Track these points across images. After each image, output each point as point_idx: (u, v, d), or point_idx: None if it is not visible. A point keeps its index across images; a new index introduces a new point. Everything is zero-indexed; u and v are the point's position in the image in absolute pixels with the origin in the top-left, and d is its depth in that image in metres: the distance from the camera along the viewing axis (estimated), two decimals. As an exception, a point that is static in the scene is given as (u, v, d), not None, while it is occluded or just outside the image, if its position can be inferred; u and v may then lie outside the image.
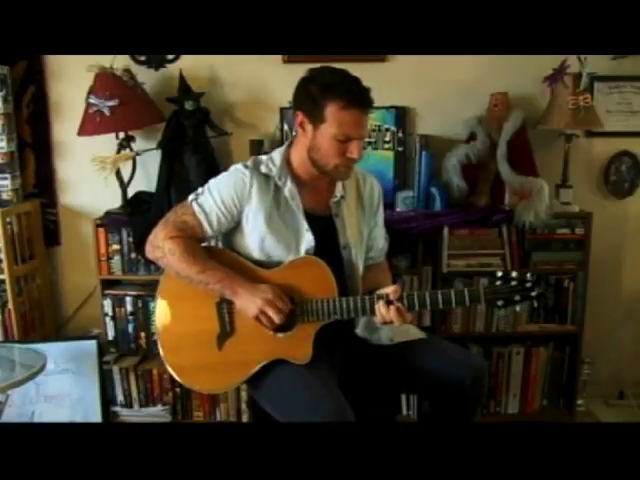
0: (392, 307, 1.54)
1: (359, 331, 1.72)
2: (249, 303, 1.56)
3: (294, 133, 1.70)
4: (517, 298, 1.51)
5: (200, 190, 1.66)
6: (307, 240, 1.63)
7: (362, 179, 1.78)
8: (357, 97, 1.53)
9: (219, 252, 1.69)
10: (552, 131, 2.41)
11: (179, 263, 1.59)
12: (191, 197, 1.66)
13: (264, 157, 1.70)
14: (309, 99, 1.56)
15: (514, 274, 1.52)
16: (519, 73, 2.42)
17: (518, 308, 1.51)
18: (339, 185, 1.70)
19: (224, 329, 1.63)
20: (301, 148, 1.64)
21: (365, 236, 1.77)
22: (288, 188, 1.64)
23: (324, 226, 1.67)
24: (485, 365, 1.72)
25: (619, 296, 2.66)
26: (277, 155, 1.68)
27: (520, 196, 2.29)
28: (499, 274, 1.54)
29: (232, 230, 1.68)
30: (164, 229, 1.63)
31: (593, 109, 2.33)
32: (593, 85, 2.43)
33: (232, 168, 1.69)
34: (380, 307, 1.55)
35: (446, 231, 2.29)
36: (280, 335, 1.60)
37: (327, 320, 1.59)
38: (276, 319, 1.55)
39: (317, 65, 2.46)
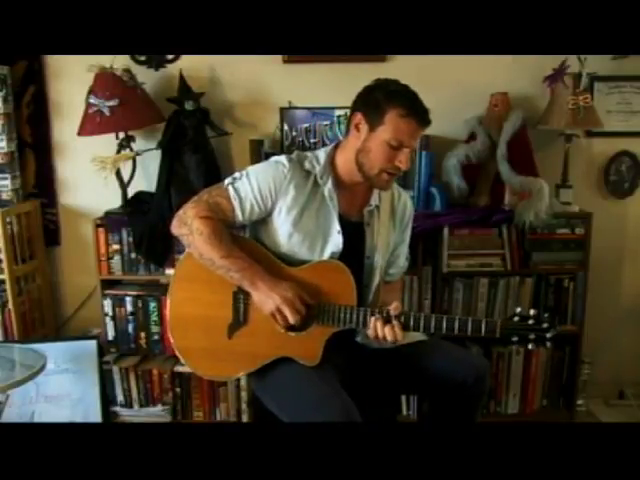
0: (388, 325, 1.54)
1: (359, 339, 1.72)
2: (267, 298, 1.55)
3: (342, 136, 1.70)
4: (532, 337, 1.50)
5: (237, 175, 1.65)
6: (335, 242, 1.63)
7: (397, 194, 1.79)
8: (418, 109, 1.57)
9: (245, 242, 1.68)
10: (552, 131, 2.41)
11: (204, 244, 1.58)
12: (227, 181, 1.65)
13: (309, 153, 1.70)
14: (372, 102, 1.58)
15: (532, 312, 1.52)
16: (519, 73, 2.41)
17: (530, 346, 1.52)
18: (375, 195, 1.70)
19: (237, 319, 1.63)
20: (350, 150, 1.64)
21: (390, 250, 1.78)
22: (328, 188, 1.64)
23: (354, 232, 1.67)
24: (486, 364, 1.72)
25: (619, 296, 2.65)
26: (322, 154, 1.69)
27: (520, 196, 2.29)
28: (517, 310, 1.54)
29: (261, 220, 1.66)
30: (195, 207, 1.61)
31: (593, 109, 2.33)
32: (593, 85, 2.43)
33: (273, 159, 1.68)
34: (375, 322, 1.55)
35: (446, 231, 2.29)
36: (292, 334, 1.60)
37: (342, 327, 1.59)
38: (292, 320, 1.55)
39: (317, 65, 2.47)
